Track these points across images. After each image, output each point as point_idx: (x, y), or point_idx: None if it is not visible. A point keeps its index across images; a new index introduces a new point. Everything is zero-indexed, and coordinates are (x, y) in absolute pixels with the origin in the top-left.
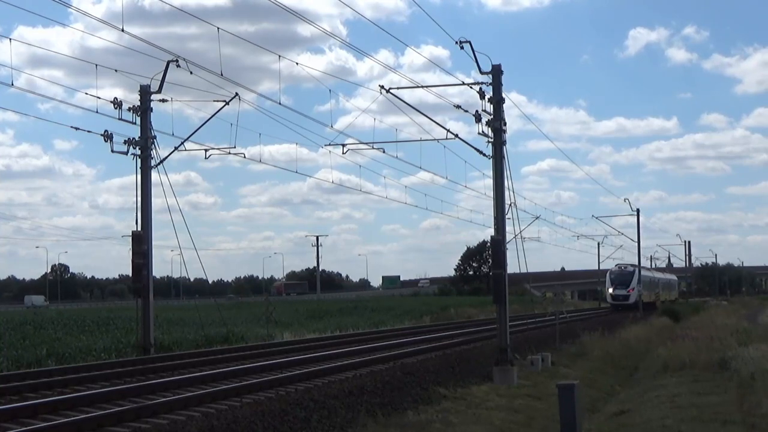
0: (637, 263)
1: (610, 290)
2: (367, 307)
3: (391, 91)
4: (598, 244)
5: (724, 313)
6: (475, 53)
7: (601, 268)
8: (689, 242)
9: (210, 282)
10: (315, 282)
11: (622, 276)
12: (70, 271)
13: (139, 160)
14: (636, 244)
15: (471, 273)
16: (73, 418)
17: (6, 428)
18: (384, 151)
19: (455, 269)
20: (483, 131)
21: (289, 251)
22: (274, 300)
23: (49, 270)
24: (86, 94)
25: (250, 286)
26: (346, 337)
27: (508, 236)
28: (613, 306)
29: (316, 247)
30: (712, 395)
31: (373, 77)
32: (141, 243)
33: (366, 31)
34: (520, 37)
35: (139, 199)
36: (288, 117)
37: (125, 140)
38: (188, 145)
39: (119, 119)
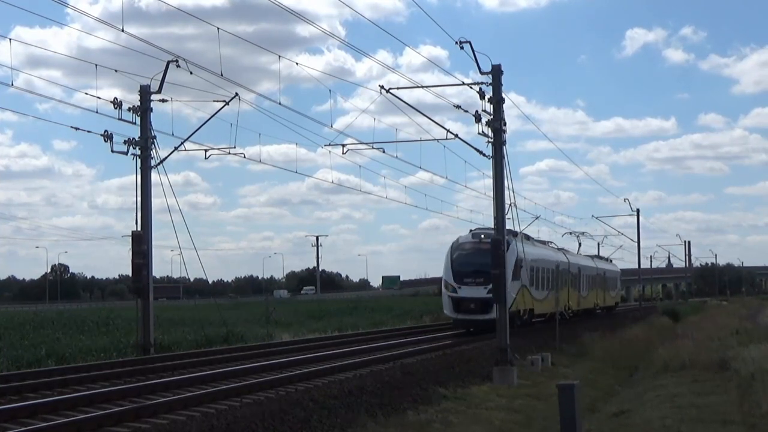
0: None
1: (453, 289)
2: (367, 307)
3: (390, 91)
4: (598, 244)
5: (724, 313)
6: (475, 53)
7: None
8: (689, 242)
9: (210, 282)
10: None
11: (479, 255)
12: (70, 271)
13: (138, 160)
14: (636, 243)
15: None
16: (73, 418)
17: (6, 428)
18: (383, 151)
19: None
20: (483, 131)
21: (288, 251)
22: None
23: (49, 270)
24: (86, 94)
25: (250, 286)
26: (346, 337)
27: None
28: (458, 323)
29: (315, 247)
30: (712, 395)
31: (372, 77)
32: (141, 243)
33: (365, 31)
34: (518, 37)
35: (139, 199)
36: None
37: (125, 140)
38: (188, 145)
39: (119, 119)
